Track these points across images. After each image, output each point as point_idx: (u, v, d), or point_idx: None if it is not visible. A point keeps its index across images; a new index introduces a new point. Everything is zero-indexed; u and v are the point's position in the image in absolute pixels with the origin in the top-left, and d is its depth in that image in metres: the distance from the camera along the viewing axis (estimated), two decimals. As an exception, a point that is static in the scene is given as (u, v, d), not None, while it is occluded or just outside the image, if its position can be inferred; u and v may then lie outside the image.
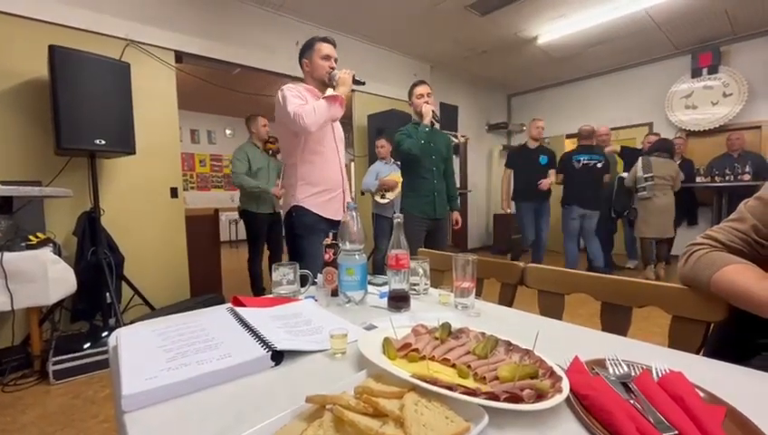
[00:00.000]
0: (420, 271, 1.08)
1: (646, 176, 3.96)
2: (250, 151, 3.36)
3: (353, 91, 4.50)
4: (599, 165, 3.88)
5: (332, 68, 1.77)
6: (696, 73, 4.97)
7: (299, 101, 1.63)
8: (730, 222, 0.78)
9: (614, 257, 4.84)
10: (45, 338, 2.30)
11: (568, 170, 4.00)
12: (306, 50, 1.79)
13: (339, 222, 1.76)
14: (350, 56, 4.39)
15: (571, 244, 4.07)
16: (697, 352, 0.76)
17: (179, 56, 3.20)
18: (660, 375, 0.53)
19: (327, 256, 1.04)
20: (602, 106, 5.97)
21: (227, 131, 8.43)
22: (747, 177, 4.12)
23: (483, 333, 0.67)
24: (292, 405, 0.46)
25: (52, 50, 2.15)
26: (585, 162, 3.90)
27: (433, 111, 2.37)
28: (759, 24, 4.41)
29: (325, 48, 1.76)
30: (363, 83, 1.79)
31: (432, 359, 0.60)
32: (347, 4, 3.71)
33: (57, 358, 2.05)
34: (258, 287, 3.52)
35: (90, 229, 2.44)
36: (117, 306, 2.36)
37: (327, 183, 1.77)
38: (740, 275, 0.68)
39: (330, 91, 1.70)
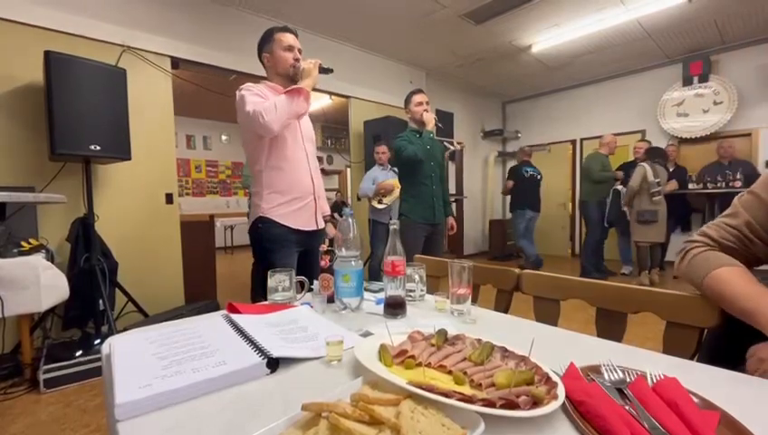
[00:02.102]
0: (416, 277, 1.08)
1: (658, 180, 4.00)
2: None
3: (349, 97, 4.54)
4: (538, 177, 5.00)
5: (297, 60, 1.58)
6: (687, 82, 5.05)
7: (258, 99, 1.46)
8: (724, 217, 0.79)
9: (608, 264, 4.88)
10: (36, 346, 2.27)
11: (519, 180, 4.92)
12: (265, 43, 1.60)
13: (311, 232, 1.66)
14: (346, 63, 4.43)
15: (528, 242, 4.99)
16: (692, 358, 0.77)
17: (176, 62, 3.20)
18: (655, 381, 0.53)
19: (323, 263, 1.04)
20: (596, 113, 6.05)
21: (223, 137, 8.43)
22: (739, 184, 4.18)
23: (479, 340, 0.67)
24: (287, 413, 0.46)
25: (48, 55, 2.15)
26: (531, 173, 4.97)
27: (435, 119, 2.42)
28: (747, 34, 4.51)
29: (287, 38, 1.57)
30: (331, 71, 1.60)
31: (428, 366, 0.59)
32: (343, 11, 3.75)
33: (48, 366, 2.02)
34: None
35: (83, 235, 2.42)
36: (110, 313, 2.33)
37: (296, 190, 1.59)
38: (729, 280, 0.69)
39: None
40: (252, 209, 1.66)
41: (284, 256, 1.56)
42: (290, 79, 1.59)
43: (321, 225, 1.72)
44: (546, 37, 4.46)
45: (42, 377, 1.99)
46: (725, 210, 0.80)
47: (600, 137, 4.89)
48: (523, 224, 4.93)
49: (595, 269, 4.63)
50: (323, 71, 1.59)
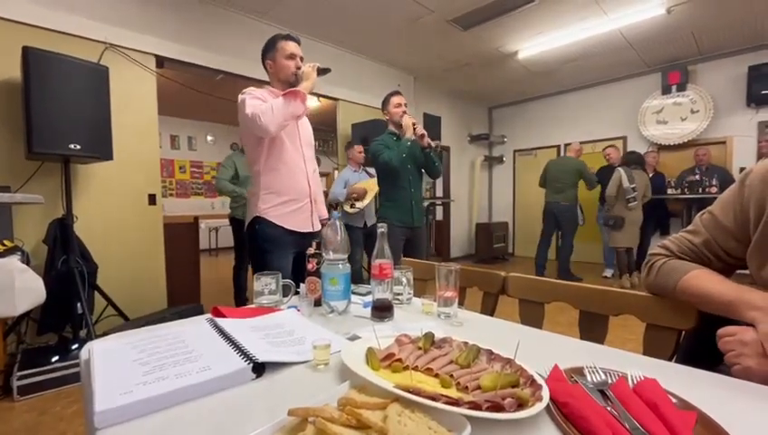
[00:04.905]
0: (404, 280, 1.08)
1: (633, 186, 4.12)
2: (238, 160, 3.38)
3: (337, 99, 4.53)
4: None
5: (299, 68, 1.63)
6: (666, 90, 5.21)
7: (258, 102, 1.51)
8: (685, 233, 0.82)
9: (590, 267, 5.00)
10: (10, 351, 2.18)
11: None
12: (269, 50, 1.65)
13: (306, 234, 1.67)
14: (334, 66, 4.40)
15: None
16: (670, 359, 0.79)
17: (160, 61, 3.14)
18: (635, 382, 0.55)
19: (310, 266, 1.03)
20: (580, 120, 6.18)
21: (208, 138, 8.30)
22: (714, 189, 4.32)
23: (465, 343, 0.67)
24: (273, 418, 0.45)
25: (26, 51, 2.09)
26: None
27: (414, 124, 2.33)
28: (722, 46, 4.68)
29: (290, 47, 1.62)
30: (329, 70, 1.66)
31: (415, 369, 0.60)
32: (331, 14, 3.75)
33: (22, 372, 1.95)
34: (241, 297, 3.45)
35: (61, 237, 2.34)
36: (89, 317, 2.26)
37: (292, 192, 1.64)
38: (701, 281, 0.72)
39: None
40: (249, 209, 1.67)
41: (279, 257, 1.59)
42: (291, 85, 1.62)
43: (318, 227, 1.73)
44: (532, 44, 4.54)
45: (15, 384, 1.92)
46: (687, 226, 0.83)
47: (573, 143, 5.06)
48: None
49: (570, 272, 4.70)
50: (321, 72, 1.64)
